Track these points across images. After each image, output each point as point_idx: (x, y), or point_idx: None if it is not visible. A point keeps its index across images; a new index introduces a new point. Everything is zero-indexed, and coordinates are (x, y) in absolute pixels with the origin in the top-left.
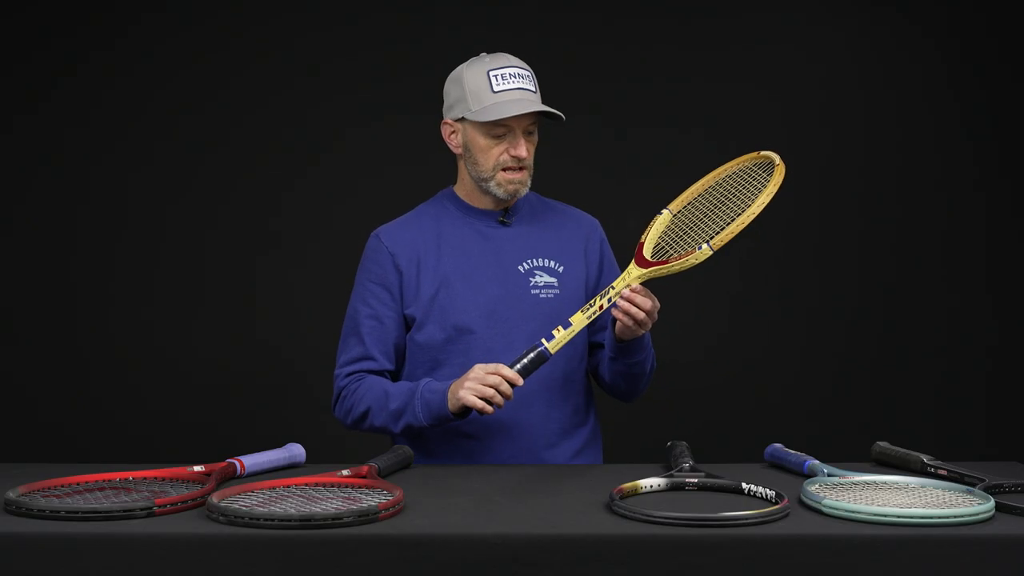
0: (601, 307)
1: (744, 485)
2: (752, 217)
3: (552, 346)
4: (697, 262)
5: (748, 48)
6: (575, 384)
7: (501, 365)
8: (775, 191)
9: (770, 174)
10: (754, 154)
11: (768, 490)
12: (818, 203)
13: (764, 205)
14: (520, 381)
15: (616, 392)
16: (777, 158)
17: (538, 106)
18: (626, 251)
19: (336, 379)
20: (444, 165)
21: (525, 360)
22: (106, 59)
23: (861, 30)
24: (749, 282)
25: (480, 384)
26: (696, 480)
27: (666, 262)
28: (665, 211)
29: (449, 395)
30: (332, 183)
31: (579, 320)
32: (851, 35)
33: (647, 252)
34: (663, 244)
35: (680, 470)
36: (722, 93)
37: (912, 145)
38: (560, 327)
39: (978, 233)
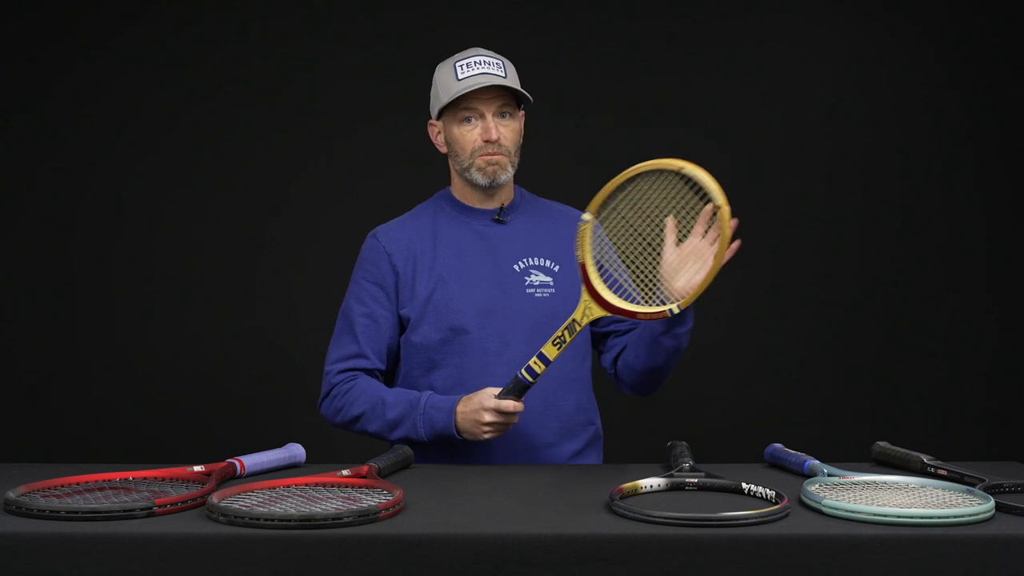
0: (571, 340)
1: (744, 485)
2: (715, 275)
3: (533, 378)
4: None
5: (748, 48)
6: (575, 383)
7: (506, 402)
8: (728, 246)
9: (701, 197)
10: (676, 162)
11: (768, 490)
12: (818, 203)
13: (721, 264)
14: (521, 407)
15: (649, 379)
16: (719, 198)
17: (494, 80)
18: None
19: (327, 375)
20: (443, 165)
21: (510, 389)
22: (105, 59)
23: (862, 30)
24: (749, 281)
25: (501, 425)
26: (696, 480)
27: (632, 312)
28: (587, 214)
29: (459, 423)
30: (332, 184)
31: (552, 353)
32: (851, 35)
33: (592, 276)
34: (610, 270)
35: (680, 470)
36: (722, 93)
37: (912, 145)
38: (537, 360)
39: (978, 233)
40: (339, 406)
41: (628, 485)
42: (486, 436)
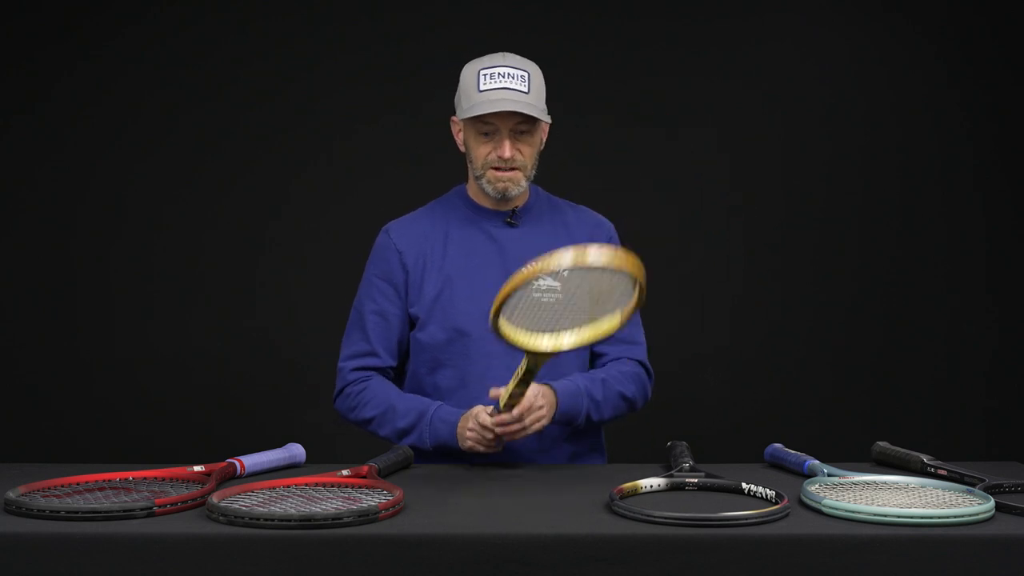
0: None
1: (744, 485)
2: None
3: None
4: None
5: (748, 48)
6: None
7: (486, 417)
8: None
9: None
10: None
11: (768, 490)
12: (818, 203)
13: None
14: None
15: None
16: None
17: (511, 105)
18: None
19: (340, 372)
20: (445, 165)
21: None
22: (105, 59)
23: (862, 30)
24: (749, 282)
25: (480, 436)
26: (696, 480)
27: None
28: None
29: (458, 435)
30: (332, 184)
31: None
32: (851, 35)
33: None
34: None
35: (680, 470)
36: (722, 93)
37: (912, 145)
38: (494, 409)
39: (978, 233)
40: (352, 405)
41: (628, 485)
42: (468, 444)
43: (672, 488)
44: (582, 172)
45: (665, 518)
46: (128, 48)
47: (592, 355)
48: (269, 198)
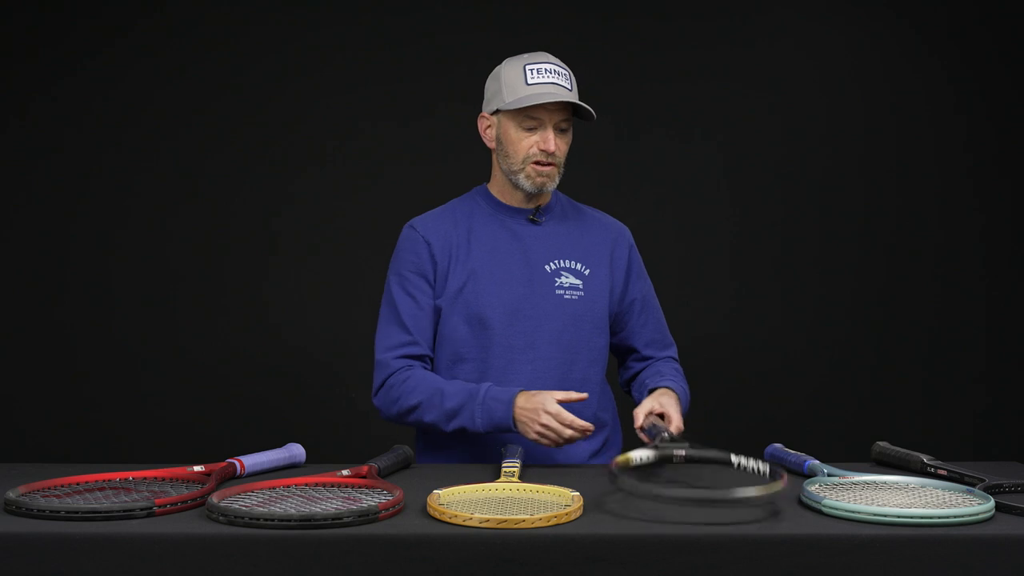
0: None
1: (733, 458)
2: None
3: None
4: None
5: (748, 48)
6: (596, 387)
7: (568, 415)
8: None
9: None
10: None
11: (760, 463)
12: (817, 204)
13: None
14: (590, 428)
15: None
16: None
17: (567, 97)
18: None
19: (381, 366)
20: (445, 165)
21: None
22: (105, 59)
23: (862, 30)
24: (749, 283)
25: (554, 432)
26: (684, 453)
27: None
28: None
29: (517, 416)
30: (332, 184)
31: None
32: (851, 35)
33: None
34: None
35: (662, 440)
36: (722, 93)
37: (912, 146)
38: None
39: (977, 234)
40: (395, 396)
41: (620, 458)
42: (532, 436)
43: (660, 460)
44: (582, 172)
45: (673, 497)
46: (128, 48)
47: (639, 359)
48: (269, 198)
